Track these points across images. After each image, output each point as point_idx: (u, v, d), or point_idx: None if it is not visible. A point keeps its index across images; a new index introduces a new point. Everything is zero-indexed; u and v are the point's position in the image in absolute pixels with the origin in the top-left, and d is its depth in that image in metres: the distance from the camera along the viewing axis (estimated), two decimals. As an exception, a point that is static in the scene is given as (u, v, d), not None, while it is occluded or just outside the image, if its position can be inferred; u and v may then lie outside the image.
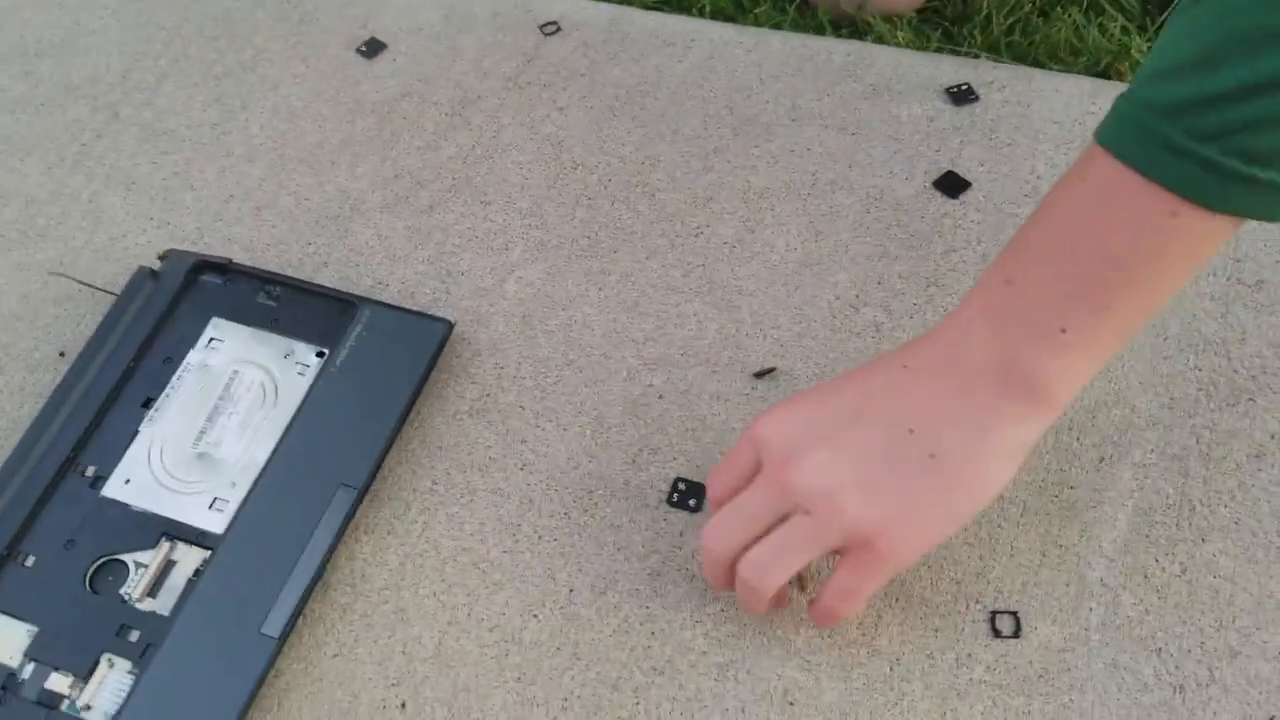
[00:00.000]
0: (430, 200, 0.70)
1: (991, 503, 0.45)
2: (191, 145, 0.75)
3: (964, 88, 0.69)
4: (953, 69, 0.71)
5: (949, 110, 0.69)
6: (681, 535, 0.56)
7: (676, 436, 0.59)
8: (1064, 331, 0.42)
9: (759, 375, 0.60)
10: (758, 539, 0.46)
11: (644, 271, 0.65)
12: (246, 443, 0.60)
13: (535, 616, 0.54)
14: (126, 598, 0.56)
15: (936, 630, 0.51)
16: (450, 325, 0.63)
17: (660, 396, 0.60)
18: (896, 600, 0.52)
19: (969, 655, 0.50)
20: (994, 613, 0.51)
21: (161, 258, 0.68)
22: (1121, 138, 0.39)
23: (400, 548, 0.57)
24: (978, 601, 0.52)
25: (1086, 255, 0.41)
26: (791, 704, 0.50)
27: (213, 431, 0.61)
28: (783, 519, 0.46)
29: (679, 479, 0.57)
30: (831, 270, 0.64)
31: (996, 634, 0.51)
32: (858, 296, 0.63)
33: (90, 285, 0.69)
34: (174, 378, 0.63)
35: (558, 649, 0.53)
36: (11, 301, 0.69)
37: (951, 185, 0.66)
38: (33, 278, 0.70)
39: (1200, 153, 0.37)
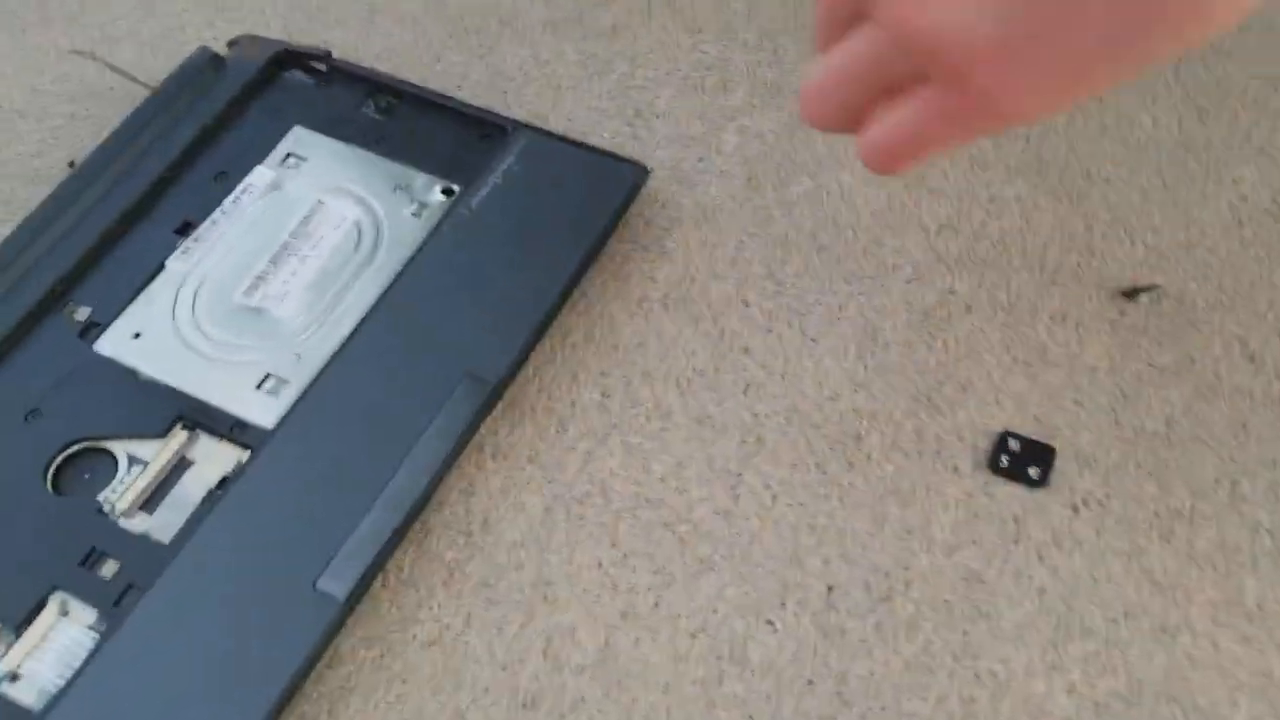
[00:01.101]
0: (614, 21, 0.49)
1: (1209, 32, 0.20)
2: (289, -72, 0.54)
3: (1402, -53, 0.48)
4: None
5: (1382, -26, 0.48)
6: (1018, 521, 0.34)
7: (999, 370, 0.37)
8: None
9: (1129, 295, 0.39)
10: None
11: (934, 136, 0.44)
12: (326, 301, 0.39)
13: (770, 623, 0.33)
14: (107, 508, 0.35)
15: None
16: (645, 171, 0.42)
17: (968, 309, 0.39)
18: None
19: None
20: None
21: (231, 44, 0.48)
22: None
23: (548, 486, 0.36)
24: None
25: None
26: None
27: (275, 279, 0.40)
28: None
29: (1008, 433, 0.36)
30: (1229, 162, 0.42)
31: None
32: (1276, 201, 0.41)
33: (126, 74, 0.48)
34: (228, 200, 0.42)
35: (809, 682, 0.32)
36: (16, 95, 0.49)
37: None
38: (49, 67, 0.50)
39: None
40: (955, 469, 0.35)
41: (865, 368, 0.38)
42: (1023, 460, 0.35)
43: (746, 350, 0.39)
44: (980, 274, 0.40)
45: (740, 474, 0.36)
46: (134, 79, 0.48)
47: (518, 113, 0.46)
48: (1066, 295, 0.39)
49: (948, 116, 0.24)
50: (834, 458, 0.36)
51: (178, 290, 0.40)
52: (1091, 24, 0.21)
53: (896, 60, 0.24)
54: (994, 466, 0.35)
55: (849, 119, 0.27)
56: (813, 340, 0.38)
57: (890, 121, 0.26)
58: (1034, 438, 0.35)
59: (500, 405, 0.38)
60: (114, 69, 0.48)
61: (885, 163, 0.26)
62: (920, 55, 0.24)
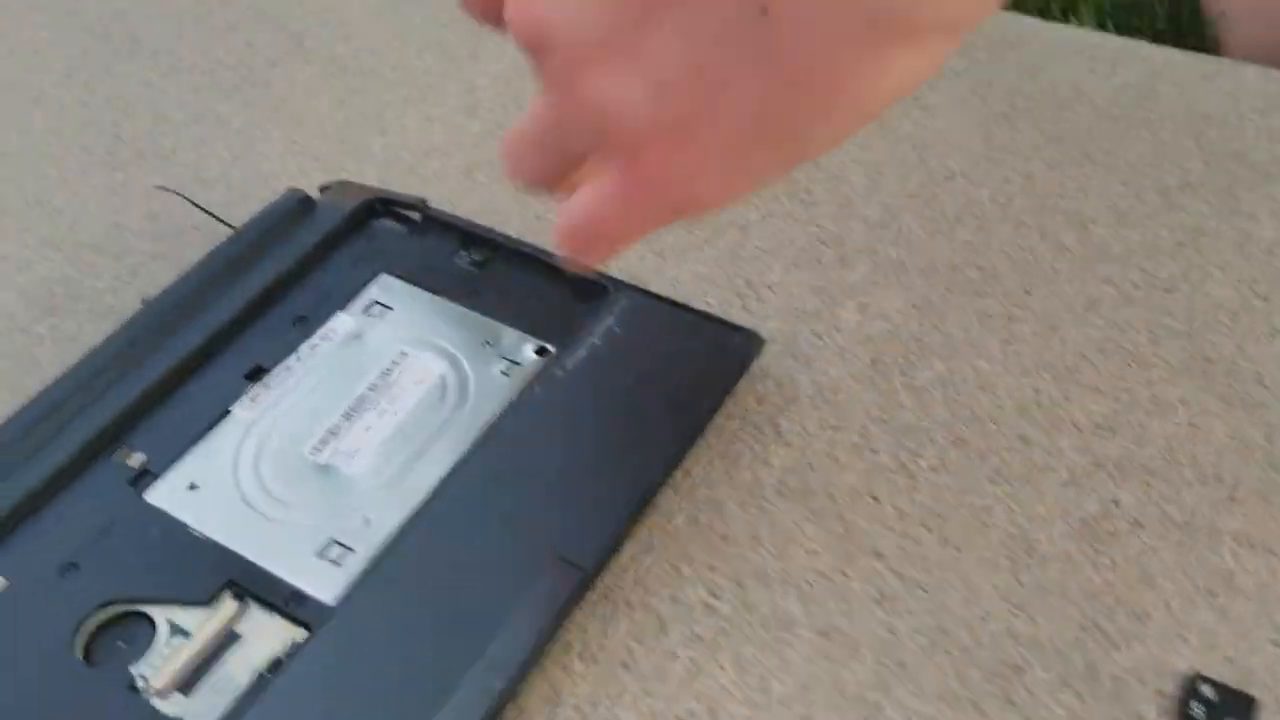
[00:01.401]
0: (725, 190, 0.46)
1: (864, 120, 0.22)
2: (393, 89, 0.53)
3: None
4: None
5: None
6: (1221, 789, 0.28)
7: (1179, 598, 0.32)
8: None
9: (1326, 518, 0.33)
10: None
11: (1081, 326, 0.40)
12: (401, 461, 0.35)
13: None
14: (139, 684, 0.30)
15: None
16: (760, 340, 0.38)
17: (1136, 524, 0.34)
18: None
19: None
20: None
21: (324, 189, 0.45)
22: None
23: (646, 699, 0.30)
24: None
25: None
26: None
27: (348, 435, 0.36)
28: None
29: (1200, 677, 0.30)
30: None
31: None
32: None
33: (213, 215, 0.46)
34: (304, 345, 0.39)
35: None
36: (97, 229, 0.47)
37: None
38: (133, 204, 0.48)
39: None
40: (1137, 712, 0.29)
41: (1021, 584, 0.32)
42: (1219, 711, 0.29)
43: (878, 554, 0.33)
44: (1146, 484, 0.35)
45: (878, 704, 0.30)
46: (221, 220, 0.46)
47: (618, 277, 0.43)
48: (1250, 515, 0.34)
49: (626, 197, 0.23)
50: (991, 692, 0.30)
51: (241, 440, 0.36)
52: (741, 103, 0.21)
53: (574, 128, 0.23)
54: (1185, 717, 0.29)
55: (548, 182, 0.25)
56: (956, 549, 0.33)
57: (575, 200, 0.24)
58: (1235, 686, 0.30)
59: (592, 595, 0.33)
60: (201, 209, 0.46)
61: (573, 245, 0.25)
62: (589, 130, 0.23)
